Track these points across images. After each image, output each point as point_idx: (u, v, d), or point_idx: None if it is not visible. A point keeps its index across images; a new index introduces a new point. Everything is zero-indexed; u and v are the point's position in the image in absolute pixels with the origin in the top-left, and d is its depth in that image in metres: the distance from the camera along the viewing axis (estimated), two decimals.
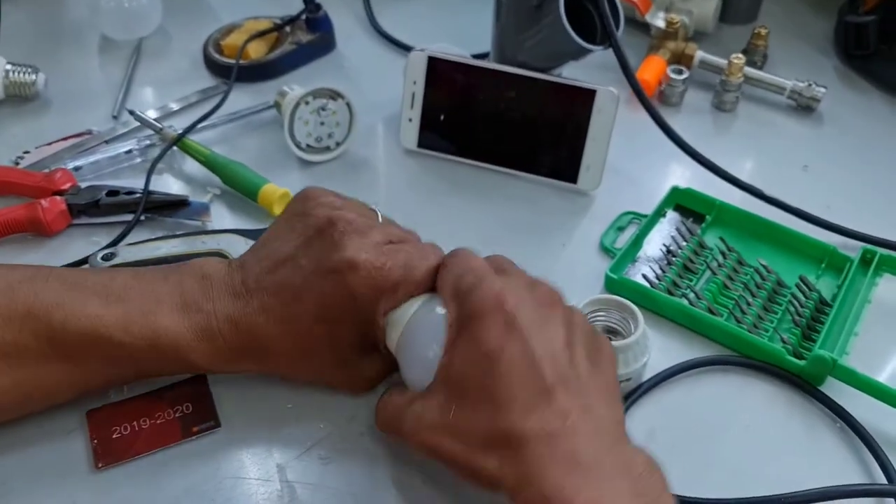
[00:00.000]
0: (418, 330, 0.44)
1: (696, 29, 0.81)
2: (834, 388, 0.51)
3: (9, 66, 0.71)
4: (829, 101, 0.75)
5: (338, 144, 0.68)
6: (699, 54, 0.77)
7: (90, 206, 0.61)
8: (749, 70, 0.75)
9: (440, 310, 0.44)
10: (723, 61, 0.75)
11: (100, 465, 0.47)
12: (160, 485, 0.46)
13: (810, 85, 0.74)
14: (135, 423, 0.49)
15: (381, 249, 0.45)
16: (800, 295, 0.56)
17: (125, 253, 0.56)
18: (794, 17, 0.88)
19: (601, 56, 0.63)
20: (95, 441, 0.48)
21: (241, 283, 0.47)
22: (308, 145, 0.67)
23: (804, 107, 0.75)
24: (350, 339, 0.47)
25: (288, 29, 0.79)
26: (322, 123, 0.67)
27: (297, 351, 0.47)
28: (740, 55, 0.74)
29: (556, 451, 0.37)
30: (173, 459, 0.48)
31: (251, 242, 0.57)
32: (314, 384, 0.50)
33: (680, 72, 0.74)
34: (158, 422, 0.49)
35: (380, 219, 0.49)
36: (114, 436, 0.48)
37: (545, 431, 0.37)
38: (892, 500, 0.46)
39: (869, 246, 0.59)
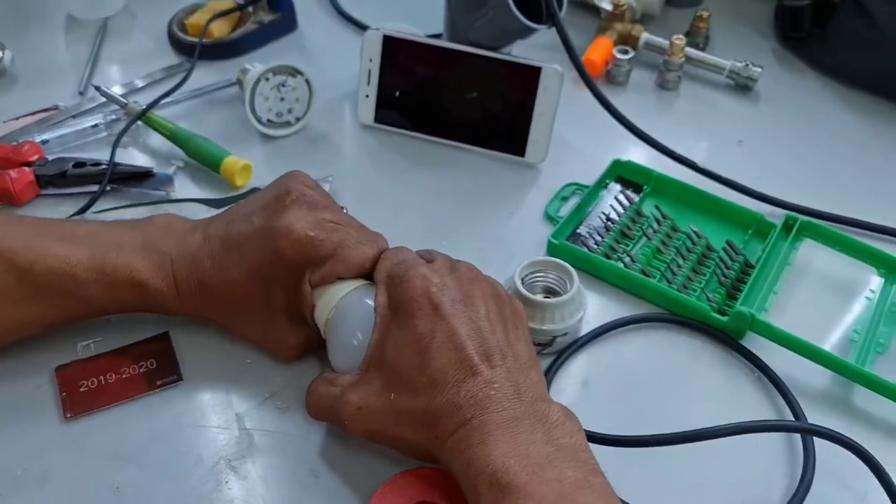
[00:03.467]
0: (347, 316, 0.48)
1: (644, 12, 0.85)
2: (755, 343, 0.56)
3: None
4: (765, 80, 0.79)
5: (297, 119, 0.71)
6: (644, 36, 0.81)
7: (57, 177, 0.64)
8: (690, 51, 0.79)
9: (369, 301, 0.47)
10: (666, 42, 0.79)
11: (68, 415, 0.50)
12: (126, 432, 0.49)
13: (747, 65, 0.78)
14: (101, 377, 0.52)
15: (323, 225, 0.49)
16: (726, 258, 0.60)
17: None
18: (736, 1, 0.92)
19: (551, 37, 0.66)
20: (64, 394, 0.51)
21: (202, 232, 0.51)
22: (269, 120, 0.70)
23: (742, 86, 0.79)
24: (278, 303, 0.50)
25: (250, 9, 0.81)
26: (282, 99, 0.70)
27: (230, 300, 0.51)
28: (681, 36, 0.78)
29: (480, 420, 0.41)
30: (138, 410, 0.51)
31: (213, 211, 0.61)
32: (248, 342, 0.53)
33: (626, 52, 0.78)
34: (124, 376, 0.52)
35: (345, 213, 0.53)
36: (81, 389, 0.51)
37: (473, 401, 0.42)
38: (798, 435, 0.50)
39: (792, 213, 0.64)
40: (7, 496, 0.47)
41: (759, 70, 0.78)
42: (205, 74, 0.76)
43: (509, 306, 0.47)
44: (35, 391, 0.51)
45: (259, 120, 0.69)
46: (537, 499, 0.37)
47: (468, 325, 0.44)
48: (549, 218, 0.65)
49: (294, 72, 0.69)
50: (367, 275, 0.50)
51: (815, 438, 0.49)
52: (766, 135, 0.75)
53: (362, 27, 0.83)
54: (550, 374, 0.53)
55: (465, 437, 0.41)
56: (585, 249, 0.61)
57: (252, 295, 0.50)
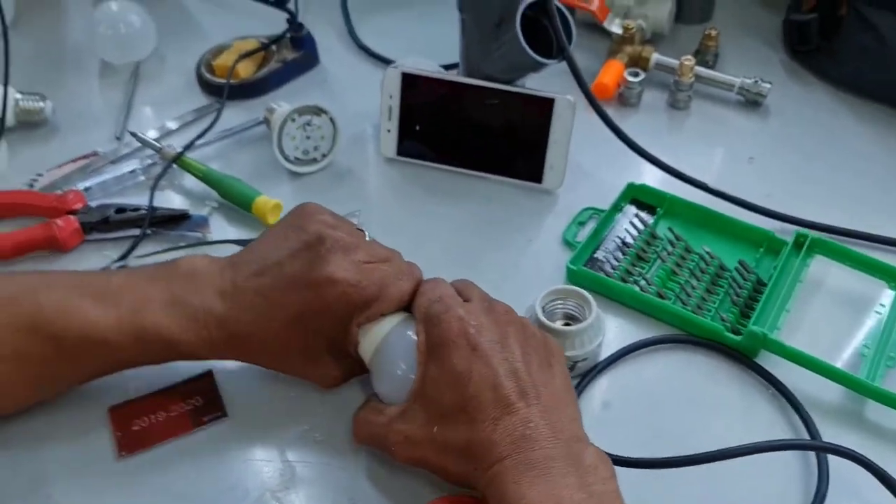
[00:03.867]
0: (391, 349, 0.51)
1: (653, 31, 0.87)
2: (768, 360, 0.58)
3: (18, 95, 0.77)
4: (775, 94, 0.81)
5: (323, 156, 0.74)
6: (654, 57, 0.83)
7: (100, 224, 0.68)
8: (700, 69, 0.81)
9: (411, 335, 0.50)
10: (676, 62, 0.81)
11: (122, 453, 0.54)
12: (176, 469, 0.53)
13: (757, 81, 0.80)
14: (151, 416, 0.56)
15: (361, 268, 0.51)
16: (738, 277, 0.63)
17: (135, 265, 0.63)
18: (746, 15, 0.94)
19: (563, 65, 0.69)
20: (118, 433, 0.55)
21: (230, 282, 0.52)
22: (296, 158, 0.73)
23: (752, 102, 0.81)
24: (321, 345, 0.52)
25: (274, 48, 0.85)
26: (308, 137, 0.73)
27: (272, 348, 0.52)
28: (690, 57, 0.80)
29: (516, 459, 0.43)
30: (187, 446, 0.54)
31: None
32: (289, 375, 0.55)
33: (636, 74, 0.80)
34: (172, 414, 0.56)
35: (367, 237, 0.55)
36: (133, 428, 0.55)
37: (510, 440, 0.44)
38: (813, 453, 0.52)
39: (802, 230, 0.66)
40: None
41: (768, 86, 0.80)
42: (233, 114, 0.80)
43: (544, 345, 0.49)
44: (91, 431, 0.55)
45: (287, 158, 0.73)
46: None
47: (505, 365, 0.46)
48: (567, 243, 0.68)
49: (319, 111, 0.73)
50: (407, 306, 0.52)
51: (829, 455, 0.52)
52: (776, 150, 0.77)
53: (382, 60, 0.87)
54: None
55: (500, 474, 0.43)
56: (603, 274, 0.63)
57: (292, 342, 0.52)
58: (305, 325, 0.51)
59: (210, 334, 0.51)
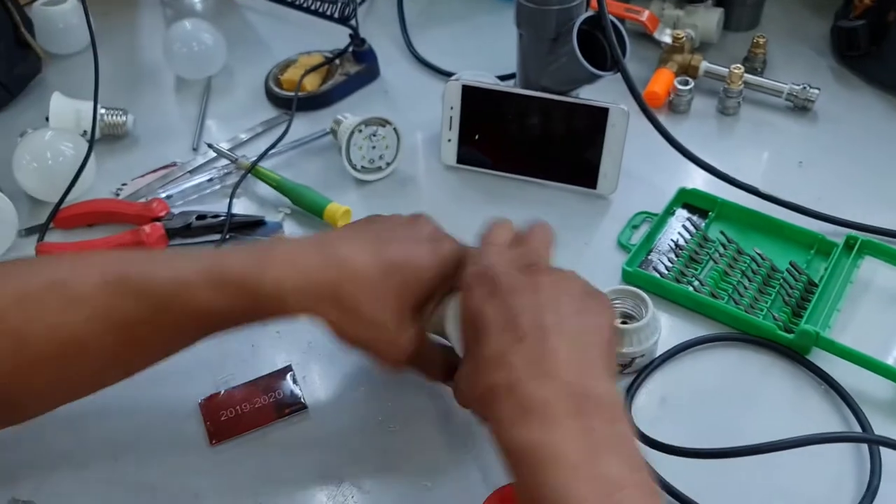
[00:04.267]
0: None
1: (702, 40, 0.90)
2: (820, 358, 0.61)
3: (103, 110, 0.83)
4: (824, 99, 0.83)
5: (388, 164, 0.78)
6: (704, 65, 0.85)
7: (183, 230, 0.73)
8: (749, 77, 0.83)
9: None
10: (725, 70, 0.83)
11: (213, 441, 0.58)
12: (262, 456, 0.57)
13: (805, 87, 0.82)
14: (238, 407, 0.60)
15: (454, 242, 0.55)
16: (790, 278, 0.65)
17: None
18: (794, 21, 0.96)
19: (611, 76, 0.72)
20: (208, 423, 0.59)
21: (320, 237, 0.54)
22: (362, 167, 0.78)
23: (800, 107, 0.83)
24: (411, 300, 0.52)
25: (337, 62, 0.89)
26: (374, 147, 0.77)
27: (368, 288, 0.50)
28: (740, 65, 0.82)
29: (513, 399, 0.42)
30: (271, 435, 0.59)
31: None
32: (360, 342, 0.52)
33: (686, 83, 0.83)
34: (256, 406, 0.60)
35: None
36: (222, 419, 0.60)
37: (512, 378, 0.43)
38: (865, 445, 0.55)
39: (853, 232, 0.68)
40: None
41: (816, 92, 0.82)
42: (301, 125, 0.85)
43: (591, 294, 0.50)
44: (185, 422, 0.60)
45: (354, 167, 0.77)
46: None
47: (519, 301, 0.47)
48: (622, 246, 0.71)
49: (384, 122, 0.77)
50: None
51: (881, 448, 0.54)
52: (825, 154, 0.79)
53: (439, 72, 0.90)
54: (631, 392, 0.59)
55: (503, 420, 0.43)
56: (657, 275, 0.66)
57: (389, 285, 0.51)
58: (406, 274, 0.51)
59: (298, 270, 0.49)
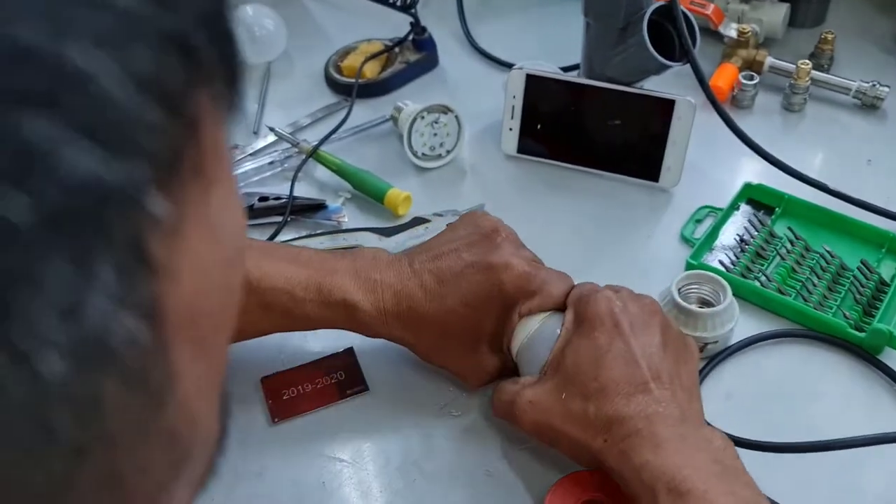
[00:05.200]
0: (539, 339, 0.54)
1: (767, 35, 0.89)
2: (892, 358, 0.59)
3: None
4: (893, 97, 0.81)
5: (448, 152, 0.78)
6: (769, 60, 0.84)
7: (245, 211, 0.73)
8: (816, 73, 0.82)
9: (557, 327, 0.54)
10: (791, 66, 0.82)
11: (275, 419, 0.59)
12: (324, 435, 0.58)
13: (874, 85, 0.81)
14: (300, 387, 0.61)
15: (532, 263, 0.56)
16: (861, 277, 0.64)
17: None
18: (861, 18, 0.94)
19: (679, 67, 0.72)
20: (270, 401, 0.60)
21: (408, 265, 0.56)
22: (423, 154, 0.78)
23: (869, 105, 0.81)
24: (485, 330, 0.56)
25: (397, 50, 0.90)
26: (435, 134, 0.77)
27: (438, 328, 0.55)
28: (807, 61, 0.81)
29: (651, 431, 0.46)
30: (333, 415, 0.59)
31: (384, 239, 0.69)
32: (446, 368, 0.59)
33: (751, 77, 0.82)
34: (318, 386, 0.61)
35: None
36: (284, 397, 0.60)
37: (644, 414, 0.47)
38: None
39: None
40: (231, 489, 0.55)
41: (886, 89, 0.80)
42: (359, 111, 0.85)
43: (682, 341, 0.53)
44: (246, 399, 0.60)
45: (415, 154, 0.77)
46: None
47: (643, 348, 0.50)
48: (685, 240, 0.70)
49: (446, 109, 0.77)
50: (560, 309, 0.56)
51: None
52: (895, 153, 0.77)
53: (498, 62, 0.90)
54: (699, 382, 0.58)
55: (637, 445, 0.46)
56: (723, 269, 0.65)
57: (463, 323, 0.55)
58: (474, 307, 0.54)
59: (385, 305, 0.55)
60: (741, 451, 0.52)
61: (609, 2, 0.70)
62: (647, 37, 0.67)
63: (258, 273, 0.54)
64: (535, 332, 0.54)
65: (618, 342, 0.50)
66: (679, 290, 0.61)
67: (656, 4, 0.68)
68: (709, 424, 0.50)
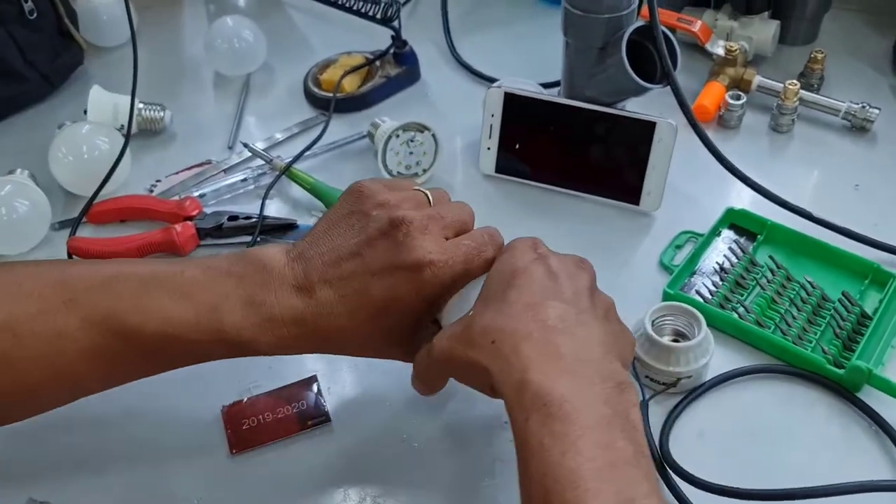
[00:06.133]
0: (465, 296, 0.50)
1: (756, 53, 0.87)
2: (871, 396, 0.57)
3: (140, 105, 0.82)
4: (884, 120, 0.79)
5: (424, 171, 0.76)
6: (757, 79, 0.82)
7: (214, 230, 0.72)
8: (805, 93, 0.80)
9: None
10: (779, 85, 0.80)
11: (234, 451, 0.57)
12: (283, 468, 0.56)
13: (864, 106, 0.78)
14: (260, 416, 0.59)
15: (444, 246, 0.50)
16: (842, 309, 0.62)
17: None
18: (854, 37, 0.92)
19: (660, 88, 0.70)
20: (230, 431, 0.58)
21: (304, 275, 0.49)
22: (398, 172, 0.76)
23: (858, 127, 0.79)
24: (407, 328, 0.51)
25: (378, 63, 0.88)
26: (411, 153, 0.75)
27: (355, 339, 0.51)
28: (795, 81, 0.79)
29: (548, 343, 0.43)
30: (293, 446, 0.57)
31: None
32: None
33: (738, 97, 0.80)
34: (279, 416, 0.59)
35: (431, 201, 0.54)
36: (244, 427, 0.58)
37: (543, 324, 0.43)
38: None
39: None
40: None
41: (876, 112, 0.78)
42: (337, 127, 0.83)
43: (609, 308, 0.50)
44: (207, 428, 0.58)
45: (389, 172, 0.75)
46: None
47: (567, 280, 0.48)
48: (664, 266, 0.68)
49: (422, 128, 0.75)
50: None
51: None
52: (884, 178, 0.75)
53: (482, 77, 0.88)
54: (670, 420, 0.56)
55: (524, 359, 0.42)
56: (700, 299, 0.63)
57: (378, 330, 0.50)
58: (392, 313, 0.50)
59: (288, 332, 0.49)
60: (708, 497, 0.51)
61: (588, 20, 0.68)
62: (625, 58, 0.65)
63: (138, 318, 0.48)
64: (460, 294, 0.50)
65: (538, 265, 0.48)
66: (653, 321, 0.59)
67: (636, 24, 0.67)
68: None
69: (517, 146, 0.75)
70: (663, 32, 0.66)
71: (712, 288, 0.64)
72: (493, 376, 0.44)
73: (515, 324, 0.44)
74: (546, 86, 0.82)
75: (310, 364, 0.62)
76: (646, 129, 0.70)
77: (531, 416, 0.40)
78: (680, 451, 0.54)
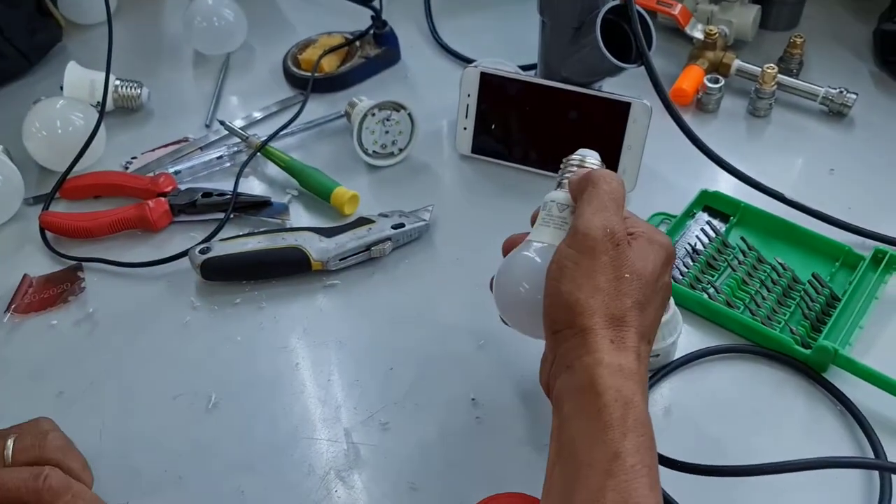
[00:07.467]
0: None
1: (737, 37, 0.86)
2: (837, 376, 0.57)
3: (117, 82, 0.82)
4: (861, 105, 0.79)
5: (400, 150, 0.76)
6: (736, 63, 0.82)
7: (188, 206, 0.71)
8: (783, 78, 0.80)
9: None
10: (758, 70, 0.80)
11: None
12: (249, 444, 0.56)
13: (842, 91, 0.78)
14: None
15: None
16: (811, 290, 0.62)
17: (218, 247, 0.66)
18: (834, 22, 0.92)
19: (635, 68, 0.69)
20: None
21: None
22: (374, 151, 0.75)
23: (836, 112, 0.79)
24: None
25: (357, 43, 0.87)
26: (387, 132, 0.75)
27: None
28: (773, 65, 0.79)
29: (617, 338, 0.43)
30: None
31: (325, 239, 0.66)
32: None
33: (716, 80, 0.80)
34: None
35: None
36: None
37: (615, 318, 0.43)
38: (877, 472, 0.52)
39: (882, 245, 0.64)
40: (140, 499, 0.54)
41: (854, 97, 0.78)
42: (315, 106, 0.83)
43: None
44: None
45: (365, 151, 0.75)
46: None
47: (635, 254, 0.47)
48: None
49: (398, 107, 0.75)
50: None
51: (893, 476, 0.51)
52: (859, 163, 0.75)
53: (461, 59, 0.88)
54: None
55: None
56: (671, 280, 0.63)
57: None
58: None
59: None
60: (675, 475, 0.51)
61: (564, 1, 0.68)
62: (599, 37, 0.65)
63: None
64: None
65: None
66: None
67: (611, 4, 0.66)
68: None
69: (493, 126, 0.75)
70: (638, 12, 0.66)
71: (683, 269, 0.64)
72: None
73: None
74: (525, 68, 0.82)
75: None
76: (621, 110, 0.70)
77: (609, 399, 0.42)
78: None
